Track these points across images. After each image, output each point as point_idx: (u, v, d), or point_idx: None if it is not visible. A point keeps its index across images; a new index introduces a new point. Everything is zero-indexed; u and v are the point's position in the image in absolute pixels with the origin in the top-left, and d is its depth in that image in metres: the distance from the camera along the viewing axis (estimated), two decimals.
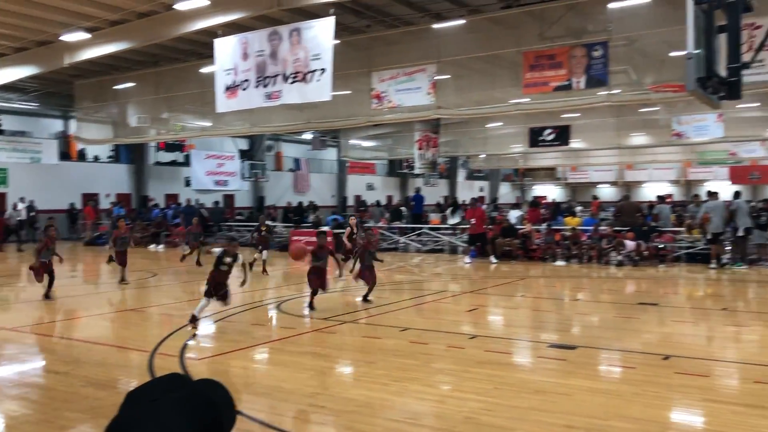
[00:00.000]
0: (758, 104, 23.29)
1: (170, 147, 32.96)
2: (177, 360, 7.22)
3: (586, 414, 5.29)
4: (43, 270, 11.49)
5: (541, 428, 4.98)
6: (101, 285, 15.15)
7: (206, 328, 9.20)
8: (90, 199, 28.33)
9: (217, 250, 9.02)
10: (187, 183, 33.51)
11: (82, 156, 30.25)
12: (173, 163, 33.79)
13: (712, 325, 9.83)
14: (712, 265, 16.26)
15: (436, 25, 16.64)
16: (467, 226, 20.14)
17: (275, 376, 6.79)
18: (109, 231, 26.06)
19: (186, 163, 33.67)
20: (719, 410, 5.42)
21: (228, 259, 8.77)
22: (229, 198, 35.21)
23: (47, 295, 11.45)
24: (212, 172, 34.41)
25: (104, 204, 28.82)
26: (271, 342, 8.46)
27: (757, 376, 6.38)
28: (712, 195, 17.26)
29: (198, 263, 17.01)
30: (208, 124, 22.65)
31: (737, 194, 17.65)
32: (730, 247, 17.09)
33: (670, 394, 5.90)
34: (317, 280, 10.10)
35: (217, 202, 29.49)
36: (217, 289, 8.76)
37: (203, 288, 8.99)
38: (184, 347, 7.87)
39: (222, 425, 1.02)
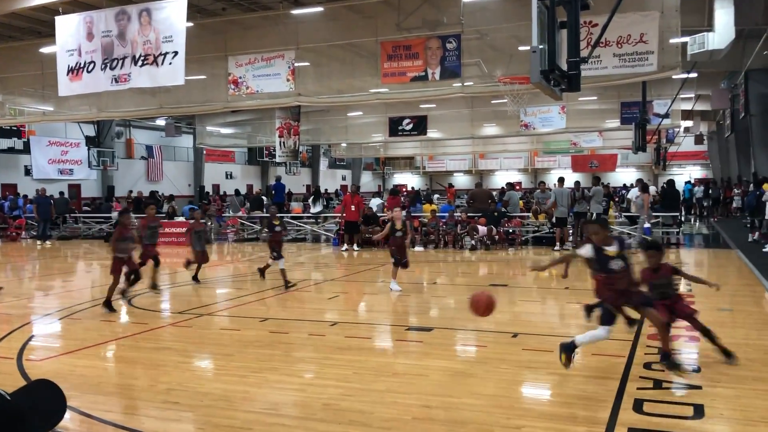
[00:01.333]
0: (596, 98, 25.14)
1: (6, 133, 30.24)
2: (14, 362, 6.67)
3: (441, 393, 5.47)
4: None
5: (398, 409, 5.08)
6: None
7: (49, 327, 8.57)
8: None
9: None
10: (27, 172, 31.00)
11: None
12: (10, 150, 31.06)
13: (556, 304, 10.51)
14: (557, 248, 17.40)
15: (294, 11, 16.46)
16: (331, 214, 20.16)
17: (126, 374, 6.45)
18: None
19: (26, 150, 31.11)
20: (562, 382, 5.80)
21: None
22: (75, 188, 32.98)
23: None
24: (56, 160, 32.08)
25: None
26: (122, 338, 8.03)
27: (594, 350, 6.89)
28: (561, 182, 18.46)
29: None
30: (49, 108, 21.03)
31: (597, 180, 18.82)
32: (572, 231, 18.36)
33: (519, 370, 6.23)
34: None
35: (62, 192, 27.51)
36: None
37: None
38: (24, 348, 7.29)
39: (24, 428, 0.92)
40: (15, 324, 8.58)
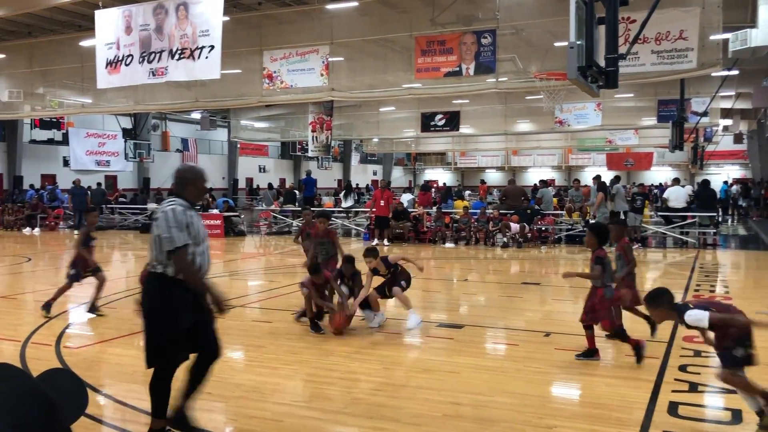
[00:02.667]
0: (632, 95, 24.75)
1: (46, 124, 30.89)
2: (53, 349, 6.82)
3: (471, 391, 5.44)
4: None
5: (428, 406, 5.07)
6: None
7: (85, 315, 8.74)
8: None
9: None
10: (66, 163, 31.61)
11: None
12: (50, 141, 31.72)
13: None
14: None
15: (329, 6, 16.48)
16: (362, 209, 20.18)
17: None
18: None
19: (64, 141, 31.73)
20: (595, 383, 5.73)
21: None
22: (111, 179, 33.55)
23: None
24: (93, 152, 32.66)
25: None
26: None
27: (628, 350, 6.79)
28: (597, 180, 18.23)
29: None
30: (88, 100, 21.39)
31: (617, 179, 18.67)
32: None
33: (550, 369, 6.17)
34: None
35: (99, 183, 28.02)
36: None
37: None
38: (61, 335, 7.45)
39: (58, 418, 0.93)
40: (53, 312, 8.76)
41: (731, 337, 4.40)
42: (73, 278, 8.63)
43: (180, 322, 4.25)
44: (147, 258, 4.50)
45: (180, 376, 4.42)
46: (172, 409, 4.43)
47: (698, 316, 4.44)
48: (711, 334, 4.54)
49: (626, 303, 6.83)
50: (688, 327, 4.58)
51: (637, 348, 6.23)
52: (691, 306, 4.58)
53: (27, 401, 0.88)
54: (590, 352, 6.39)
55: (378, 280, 7.95)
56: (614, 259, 7.00)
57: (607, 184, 17.96)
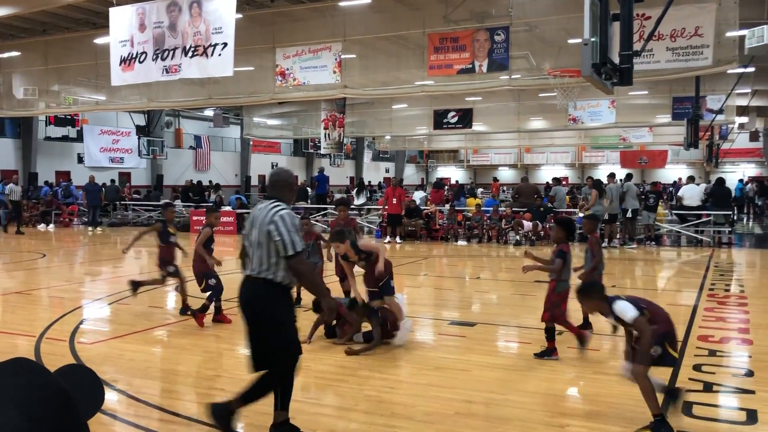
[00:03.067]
0: (647, 92, 24.55)
1: (61, 121, 31.09)
2: (67, 344, 6.86)
3: (483, 389, 5.43)
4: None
5: (440, 404, 5.06)
6: None
7: (99, 311, 8.80)
8: None
9: None
10: (80, 159, 31.83)
11: None
12: (65, 138, 31.94)
13: None
14: (604, 245, 17.09)
15: (342, 3, 16.46)
16: (374, 207, 20.19)
17: (172, 360, 6.58)
18: None
19: (79, 138, 31.94)
20: (608, 381, 5.69)
21: None
22: (125, 176, 33.75)
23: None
24: (107, 149, 32.85)
25: None
26: (169, 324, 8.19)
27: None
28: (611, 178, 18.13)
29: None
30: (102, 97, 21.52)
31: (629, 176, 18.58)
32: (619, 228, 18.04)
33: (562, 368, 6.14)
34: None
35: (113, 180, 28.20)
36: None
37: None
38: (75, 331, 7.50)
39: (76, 412, 0.93)
40: (67, 308, 8.83)
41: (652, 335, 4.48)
42: (174, 274, 8.41)
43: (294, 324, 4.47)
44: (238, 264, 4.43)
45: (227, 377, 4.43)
46: (227, 402, 4.45)
47: (624, 308, 4.55)
48: (635, 332, 4.60)
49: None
50: (616, 320, 4.65)
51: (580, 338, 6.44)
52: (623, 298, 4.68)
53: (45, 395, 0.89)
54: (548, 352, 6.45)
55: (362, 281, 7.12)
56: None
57: (603, 182, 17.90)
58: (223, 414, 4.42)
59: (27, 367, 0.92)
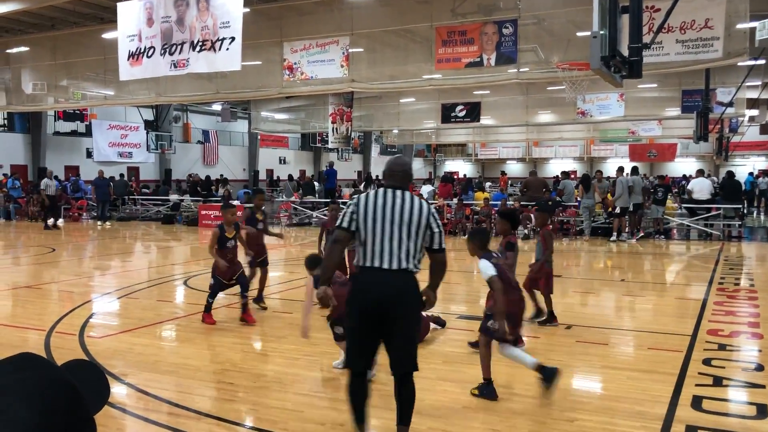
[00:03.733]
0: (656, 85, 24.41)
1: (70, 116, 31.23)
2: (76, 338, 6.90)
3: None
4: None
5: (448, 397, 5.06)
6: None
7: (108, 305, 8.83)
8: None
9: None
10: (89, 154, 31.95)
11: None
12: (73, 133, 32.07)
13: (610, 296, 10.30)
14: (613, 238, 17.04)
15: None
16: None
17: (181, 353, 6.60)
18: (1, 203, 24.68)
19: (87, 133, 32.06)
20: (616, 376, 5.68)
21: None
22: (134, 170, 33.86)
23: None
24: (116, 144, 32.97)
25: None
26: (178, 318, 8.22)
27: (650, 343, 6.73)
28: (620, 171, 18.04)
29: None
30: (110, 92, 21.58)
31: (635, 170, 18.51)
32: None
33: (571, 362, 6.13)
34: None
35: (122, 175, 28.30)
36: None
37: None
38: (85, 325, 7.54)
39: (83, 407, 0.93)
40: (77, 302, 8.88)
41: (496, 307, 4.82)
42: (252, 263, 8.51)
43: None
44: (376, 256, 4.02)
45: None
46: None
47: (484, 267, 4.87)
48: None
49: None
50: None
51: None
52: (494, 256, 5.03)
53: (54, 390, 0.89)
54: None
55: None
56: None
57: (591, 176, 17.95)
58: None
59: (35, 361, 0.92)
